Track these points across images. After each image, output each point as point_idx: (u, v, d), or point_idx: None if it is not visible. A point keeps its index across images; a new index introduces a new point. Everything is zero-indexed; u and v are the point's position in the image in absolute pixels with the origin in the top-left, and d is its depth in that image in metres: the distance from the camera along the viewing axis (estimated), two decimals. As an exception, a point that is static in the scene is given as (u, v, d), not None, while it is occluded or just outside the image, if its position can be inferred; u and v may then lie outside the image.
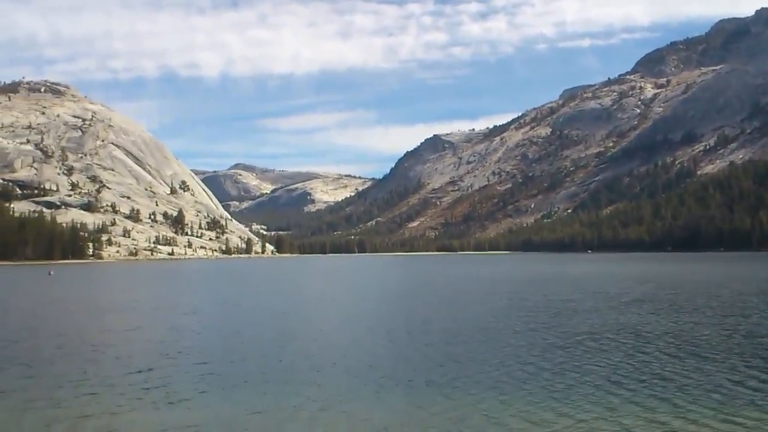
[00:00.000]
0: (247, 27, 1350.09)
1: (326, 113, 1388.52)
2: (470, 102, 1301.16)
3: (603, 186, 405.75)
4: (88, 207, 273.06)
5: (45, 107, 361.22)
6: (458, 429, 13.99)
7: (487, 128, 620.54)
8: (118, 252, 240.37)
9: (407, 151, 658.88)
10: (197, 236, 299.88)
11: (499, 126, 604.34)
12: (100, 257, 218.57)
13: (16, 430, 14.50)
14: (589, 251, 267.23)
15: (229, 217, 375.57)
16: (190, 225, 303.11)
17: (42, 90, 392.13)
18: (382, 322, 32.61)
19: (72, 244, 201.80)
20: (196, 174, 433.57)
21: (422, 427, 14.18)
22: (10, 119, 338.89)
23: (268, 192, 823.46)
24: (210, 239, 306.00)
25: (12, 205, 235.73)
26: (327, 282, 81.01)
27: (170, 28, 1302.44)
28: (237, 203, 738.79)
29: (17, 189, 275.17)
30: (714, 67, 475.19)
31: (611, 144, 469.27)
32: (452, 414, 15.08)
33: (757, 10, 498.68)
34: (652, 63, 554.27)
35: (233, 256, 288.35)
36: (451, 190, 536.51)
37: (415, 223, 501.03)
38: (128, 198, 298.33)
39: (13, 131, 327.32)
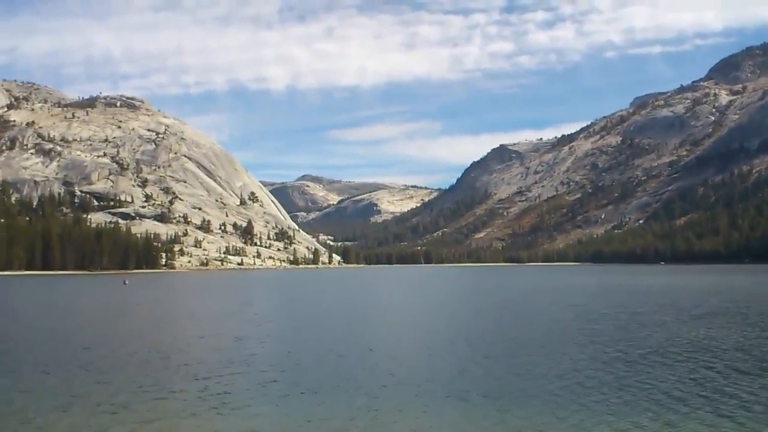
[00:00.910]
0: (314, 40, 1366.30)
1: (392, 124, 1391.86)
2: (537, 111, 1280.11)
3: (676, 196, 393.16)
4: (161, 218, 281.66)
5: (121, 121, 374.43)
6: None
7: (555, 137, 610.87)
8: (189, 262, 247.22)
9: (473, 161, 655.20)
10: (266, 247, 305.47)
11: (568, 135, 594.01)
12: (173, 267, 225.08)
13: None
14: (662, 263, 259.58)
15: (297, 227, 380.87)
16: (258, 235, 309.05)
17: (118, 105, 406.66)
18: (441, 333, 32.67)
19: (146, 254, 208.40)
20: (264, 185, 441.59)
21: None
22: (88, 133, 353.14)
23: (335, 203, 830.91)
24: (278, 250, 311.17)
25: (89, 216, 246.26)
26: (391, 292, 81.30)
27: (239, 43, 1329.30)
28: (304, 214, 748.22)
29: (94, 201, 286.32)
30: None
31: (684, 152, 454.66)
32: (505, 428, 15.05)
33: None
34: (726, 69, 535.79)
35: (301, 266, 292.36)
36: (519, 201, 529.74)
37: (481, 234, 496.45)
38: (199, 209, 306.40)
39: (91, 144, 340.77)
